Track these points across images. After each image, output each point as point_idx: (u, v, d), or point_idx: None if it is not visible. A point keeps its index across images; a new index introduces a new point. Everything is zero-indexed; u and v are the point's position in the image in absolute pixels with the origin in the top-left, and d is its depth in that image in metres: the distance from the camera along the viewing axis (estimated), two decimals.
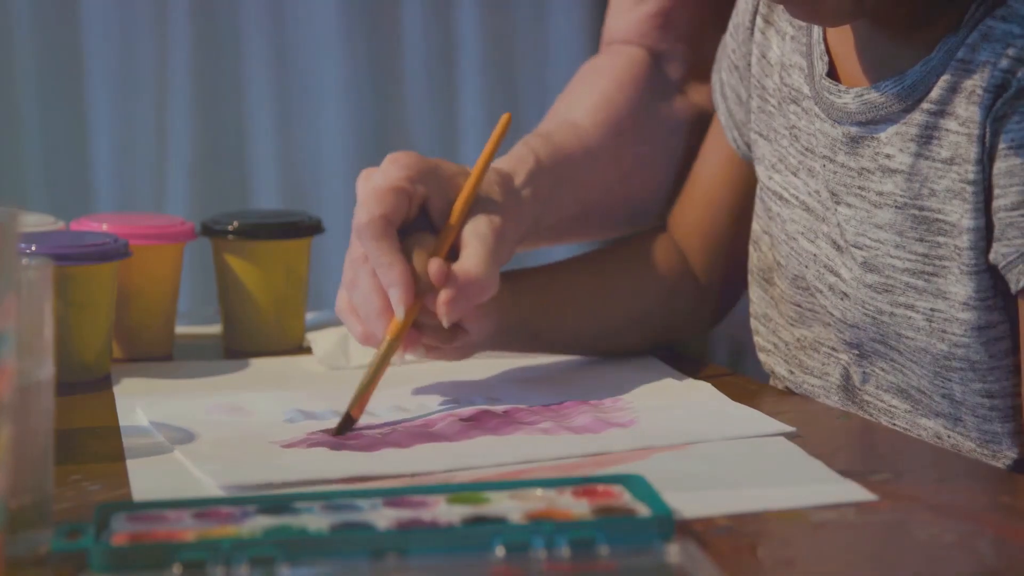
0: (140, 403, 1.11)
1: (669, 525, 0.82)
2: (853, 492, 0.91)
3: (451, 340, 1.13)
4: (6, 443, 0.76)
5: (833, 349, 1.16)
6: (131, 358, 1.26)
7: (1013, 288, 1.03)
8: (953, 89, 1.03)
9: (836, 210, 1.11)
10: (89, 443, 1.04)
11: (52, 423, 0.85)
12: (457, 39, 2.61)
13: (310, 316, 1.35)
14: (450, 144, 2.61)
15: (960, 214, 1.04)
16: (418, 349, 1.13)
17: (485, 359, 1.20)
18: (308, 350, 1.29)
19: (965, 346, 1.06)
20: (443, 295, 1.08)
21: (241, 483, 0.93)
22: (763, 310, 1.22)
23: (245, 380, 1.21)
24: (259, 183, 2.56)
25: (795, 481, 0.94)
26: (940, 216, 1.05)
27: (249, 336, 1.30)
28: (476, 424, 1.06)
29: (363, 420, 1.07)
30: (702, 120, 1.30)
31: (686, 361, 1.24)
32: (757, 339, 1.23)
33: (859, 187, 1.09)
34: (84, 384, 1.18)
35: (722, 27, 1.24)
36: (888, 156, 1.07)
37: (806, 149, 1.13)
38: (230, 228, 1.28)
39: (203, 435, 1.04)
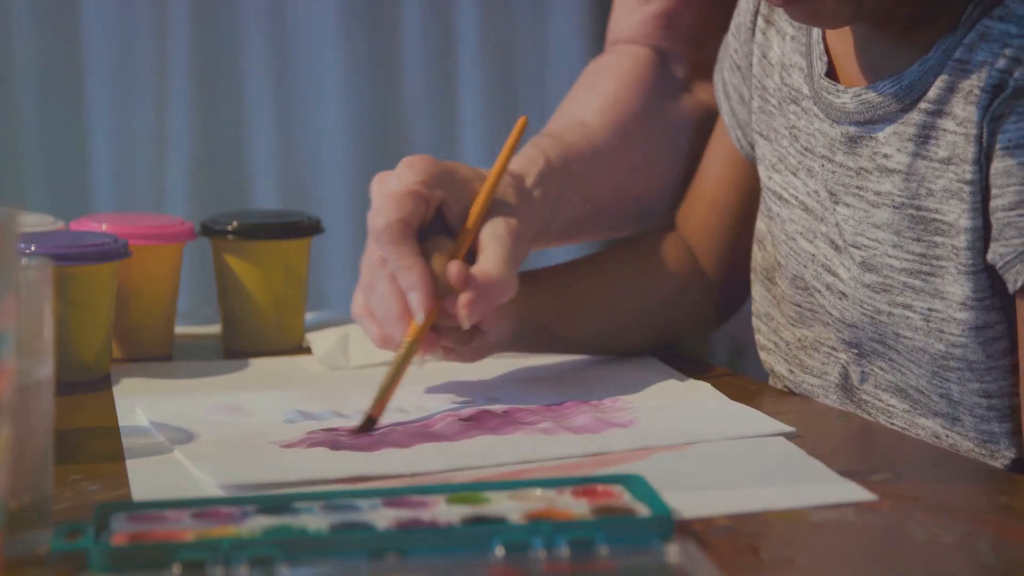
0: (140, 403, 1.11)
1: (669, 525, 0.82)
2: (852, 492, 0.91)
3: (468, 342, 1.13)
4: (6, 443, 0.76)
5: (833, 349, 1.16)
6: (131, 358, 1.26)
7: (1011, 288, 1.03)
8: (951, 89, 1.03)
9: (835, 210, 1.11)
10: (89, 443, 1.04)
11: (52, 423, 0.85)
12: (456, 39, 2.61)
13: (309, 316, 1.35)
14: (449, 144, 2.61)
15: (957, 214, 1.04)
16: (436, 351, 1.13)
17: (487, 359, 1.20)
18: (308, 350, 1.29)
19: (963, 346, 1.06)
20: (463, 297, 1.09)
21: (240, 483, 0.93)
22: (765, 309, 1.22)
23: (245, 380, 1.21)
24: (259, 183, 2.56)
25: (794, 481, 0.94)
26: (937, 216, 1.05)
27: (249, 336, 1.30)
28: (476, 424, 1.06)
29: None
30: (709, 118, 1.30)
31: (686, 361, 1.24)
32: (758, 337, 1.23)
33: (857, 187, 1.09)
34: (84, 384, 1.18)
35: (726, 26, 1.24)
36: (886, 156, 1.07)
37: (805, 149, 1.13)
38: (230, 228, 1.28)
39: (203, 435, 1.04)
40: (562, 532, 0.81)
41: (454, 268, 1.09)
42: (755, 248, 1.22)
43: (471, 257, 1.11)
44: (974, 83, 1.02)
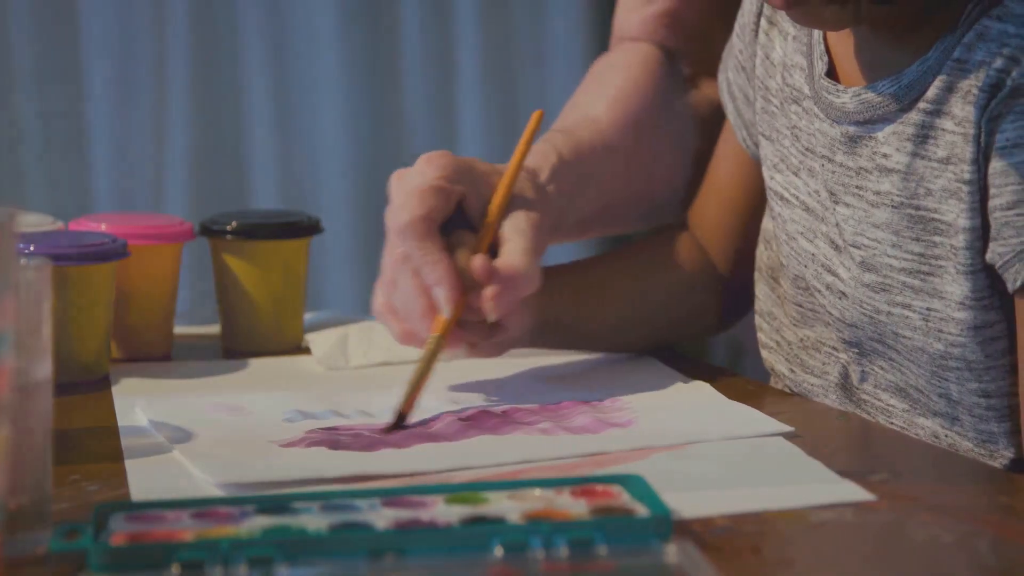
0: (139, 403, 1.10)
1: (667, 525, 0.82)
2: (852, 492, 0.91)
3: (490, 337, 1.14)
4: (5, 443, 0.76)
5: (833, 349, 1.16)
6: (130, 358, 1.26)
7: (1010, 287, 1.03)
8: (949, 89, 1.03)
9: (835, 210, 1.11)
10: (88, 443, 1.04)
11: (51, 423, 0.85)
12: (455, 39, 2.62)
13: (309, 316, 1.35)
14: (448, 144, 2.61)
15: (956, 214, 1.04)
16: (461, 347, 1.14)
17: (484, 359, 1.20)
18: (307, 350, 1.29)
19: (961, 345, 1.06)
20: (488, 291, 1.09)
21: (239, 482, 0.93)
22: (768, 308, 1.22)
23: (244, 380, 1.21)
24: (258, 183, 2.56)
25: (794, 481, 0.94)
26: (936, 216, 1.05)
27: (248, 336, 1.30)
28: (475, 424, 1.06)
29: (361, 421, 1.07)
30: (717, 113, 1.30)
31: (685, 361, 1.24)
32: (760, 336, 1.23)
33: (857, 187, 1.09)
34: (83, 384, 1.18)
35: (730, 24, 1.24)
36: (885, 156, 1.07)
37: (806, 149, 1.14)
38: (229, 228, 1.28)
39: (201, 434, 1.04)
40: (561, 532, 0.81)
41: (479, 262, 1.09)
42: (761, 247, 1.22)
43: (492, 251, 1.12)
44: (972, 83, 1.02)
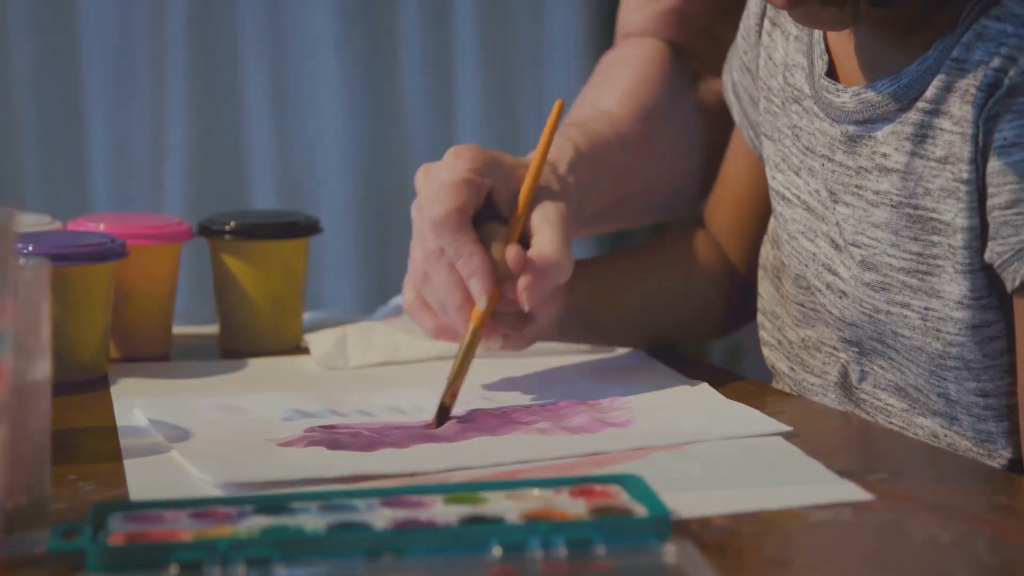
0: (137, 402, 1.10)
1: (666, 525, 0.82)
2: (850, 492, 0.91)
3: (522, 328, 1.14)
4: (3, 443, 0.76)
5: (833, 348, 1.16)
6: (128, 358, 1.26)
7: (1009, 287, 1.03)
8: (948, 88, 1.03)
9: (835, 209, 1.11)
10: (86, 443, 1.04)
11: (49, 423, 0.85)
12: (454, 39, 2.61)
13: (307, 316, 1.35)
14: (447, 145, 2.59)
15: (954, 213, 1.04)
16: (496, 338, 1.14)
17: (484, 359, 1.20)
18: (306, 350, 1.29)
19: (959, 345, 1.06)
20: (522, 281, 1.10)
21: (238, 481, 0.93)
22: (771, 307, 1.22)
23: (242, 380, 1.21)
24: (256, 183, 2.56)
25: (792, 481, 0.94)
26: (935, 215, 1.05)
27: (246, 336, 1.29)
28: (473, 424, 1.06)
29: (360, 421, 1.07)
30: (726, 106, 1.30)
31: (685, 361, 1.24)
32: (762, 334, 1.23)
33: (856, 186, 1.09)
34: (81, 384, 1.18)
35: (736, 20, 1.25)
36: (884, 155, 1.07)
37: (807, 148, 1.14)
38: (227, 228, 1.28)
39: (200, 434, 1.04)
40: (559, 532, 0.81)
41: (512, 252, 1.10)
42: (768, 247, 1.23)
43: (523, 242, 1.12)
44: (970, 82, 1.02)
